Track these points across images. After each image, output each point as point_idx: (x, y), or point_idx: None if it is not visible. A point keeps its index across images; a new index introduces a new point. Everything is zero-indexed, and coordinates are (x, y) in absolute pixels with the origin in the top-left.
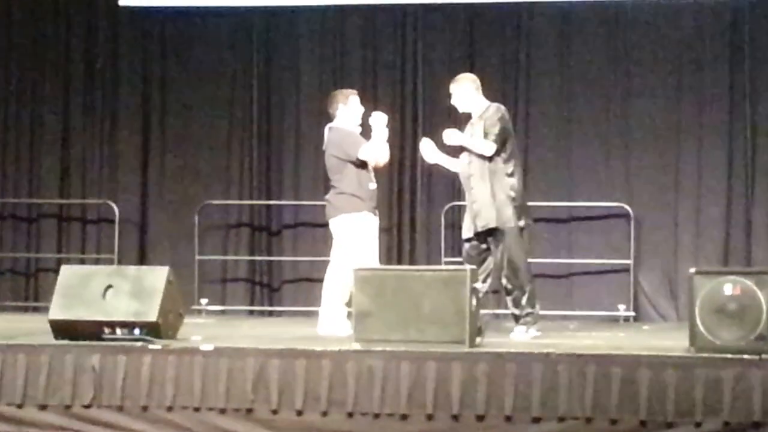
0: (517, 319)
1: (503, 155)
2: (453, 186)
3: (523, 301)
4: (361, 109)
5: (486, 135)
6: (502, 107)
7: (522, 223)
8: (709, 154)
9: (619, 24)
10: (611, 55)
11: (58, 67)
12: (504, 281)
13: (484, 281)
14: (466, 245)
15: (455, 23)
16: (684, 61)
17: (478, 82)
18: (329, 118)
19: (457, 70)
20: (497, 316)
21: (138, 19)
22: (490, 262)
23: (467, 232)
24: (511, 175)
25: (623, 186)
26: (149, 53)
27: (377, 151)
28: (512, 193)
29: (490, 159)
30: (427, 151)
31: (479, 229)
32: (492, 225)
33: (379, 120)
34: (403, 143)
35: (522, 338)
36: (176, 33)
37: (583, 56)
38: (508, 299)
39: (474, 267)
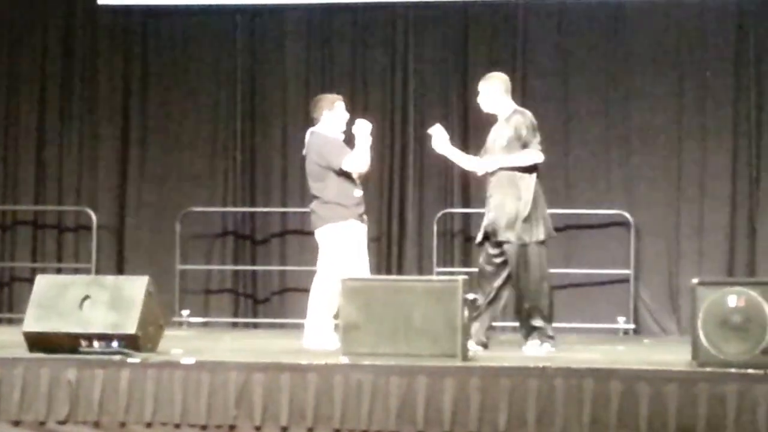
0: (528, 334)
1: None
2: (445, 192)
3: (539, 317)
4: (346, 116)
5: (525, 143)
6: (529, 113)
7: (543, 236)
8: (712, 159)
9: (619, 24)
10: (610, 57)
11: (35, 68)
12: (522, 296)
13: (498, 292)
14: (481, 251)
15: (447, 23)
16: (686, 63)
17: (509, 83)
18: (314, 122)
19: (449, 71)
20: (514, 329)
21: (118, 18)
22: (506, 272)
23: (478, 237)
24: (534, 186)
25: (623, 193)
26: (129, 54)
27: (360, 160)
28: (531, 205)
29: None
30: (438, 139)
31: (497, 239)
32: (508, 238)
33: (363, 128)
34: (392, 147)
35: (535, 353)
36: (157, 33)
37: (581, 58)
38: (523, 314)
39: (466, 277)
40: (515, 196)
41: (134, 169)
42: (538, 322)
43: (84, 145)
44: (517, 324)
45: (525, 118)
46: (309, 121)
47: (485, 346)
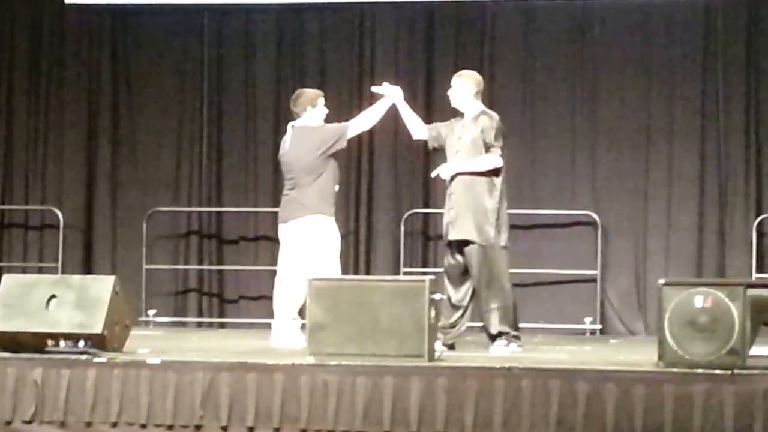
0: (494, 337)
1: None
2: (413, 192)
3: (505, 319)
4: (326, 111)
5: (488, 146)
6: (497, 116)
7: (504, 241)
8: (680, 159)
9: (586, 24)
10: (577, 57)
11: (2, 67)
12: (482, 298)
13: (463, 293)
14: (448, 252)
15: (414, 24)
16: (654, 64)
17: (482, 86)
18: (284, 119)
19: (416, 71)
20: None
21: (85, 18)
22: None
23: (444, 238)
24: (499, 188)
25: (590, 193)
26: (96, 53)
27: (371, 118)
28: (497, 206)
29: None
30: (389, 92)
31: (452, 238)
32: (469, 238)
33: (396, 93)
34: (360, 146)
35: (502, 353)
36: (125, 33)
37: (548, 58)
38: (486, 316)
39: (433, 278)
40: (480, 197)
41: (101, 168)
42: (504, 325)
43: (50, 144)
44: (482, 324)
45: (492, 121)
46: (276, 122)
47: (452, 347)
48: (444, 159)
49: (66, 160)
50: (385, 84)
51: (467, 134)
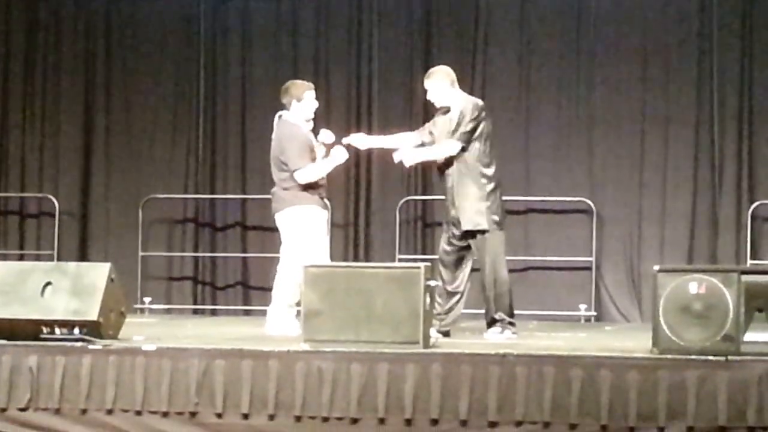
0: (492, 323)
1: (479, 153)
2: (408, 180)
3: (500, 305)
4: (315, 104)
5: (455, 130)
6: (480, 102)
7: (502, 225)
8: (674, 147)
9: (582, 10)
10: (573, 44)
11: None
12: (483, 283)
13: (466, 281)
14: (444, 239)
15: (411, 12)
16: (649, 51)
17: (453, 75)
18: (279, 108)
19: (412, 60)
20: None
21: (81, 5)
22: (467, 262)
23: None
24: (490, 175)
25: (585, 180)
26: (92, 42)
27: (313, 178)
28: (492, 193)
29: (466, 157)
30: (358, 142)
31: (461, 227)
32: (469, 227)
33: (339, 156)
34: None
35: (496, 339)
36: (121, 21)
37: (544, 44)
38: (487, 302)
39: (428, 264)
40: (477, 185)
41: (97, 156)
42: (500, 313)
43: (46, 132)
44: (477, 311)
45: (467, 104)
46: (271, 110)
47: (447, 334)
48: None
49: (62, 148)
50: (352, 136)
51: (450, 122)
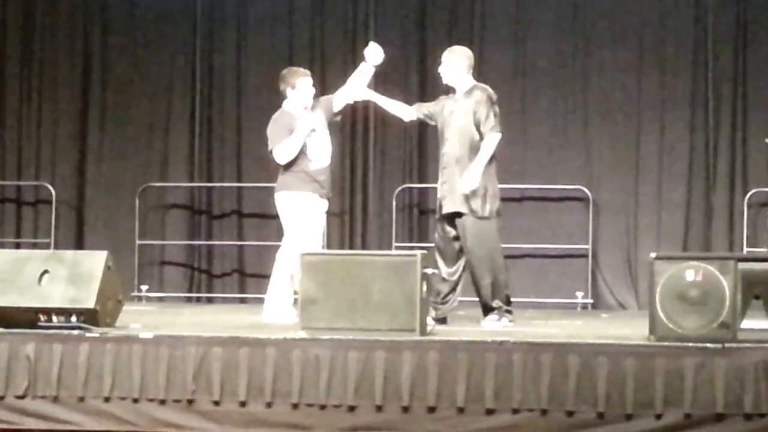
0: (488, 310)
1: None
2: (404, 167)
3: (497, 293)
4: (312, 91)
5: (478, 120)
6: (490, 90)
7: (497, 211)
8: (670, 134)
9: None
10: (569, 32)
11: None
12: (478, 271)
13: (454, 268)
14: (437, 226)
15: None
16: (645, 39)
17: (473, 60)
18: (274, 96)
19: (408, 45)
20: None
21: None
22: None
23: (437, 211)
24: (490, 162)
25: (582, 168)
26: (89, 28)
27: (284, 153)
28: (487, 180)
29: (473, 146)
30: (360, 95)
31: (446, 211)
32: (461, 210)
33: (307, 123)
34: (354, 123)
35: (494, 327)
36: (117, 9)
37: (540, 30)
38: (482, 290)
39: (425, 252)
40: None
41: (94, 144)
42: (497, 300)
43: (43, 120)
44: (474, 298)
45: (484, 93)
46: (267, 97)
47: (443, 321)
48: (436, 136)
49: (59, 136)
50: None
51: (460, 109)
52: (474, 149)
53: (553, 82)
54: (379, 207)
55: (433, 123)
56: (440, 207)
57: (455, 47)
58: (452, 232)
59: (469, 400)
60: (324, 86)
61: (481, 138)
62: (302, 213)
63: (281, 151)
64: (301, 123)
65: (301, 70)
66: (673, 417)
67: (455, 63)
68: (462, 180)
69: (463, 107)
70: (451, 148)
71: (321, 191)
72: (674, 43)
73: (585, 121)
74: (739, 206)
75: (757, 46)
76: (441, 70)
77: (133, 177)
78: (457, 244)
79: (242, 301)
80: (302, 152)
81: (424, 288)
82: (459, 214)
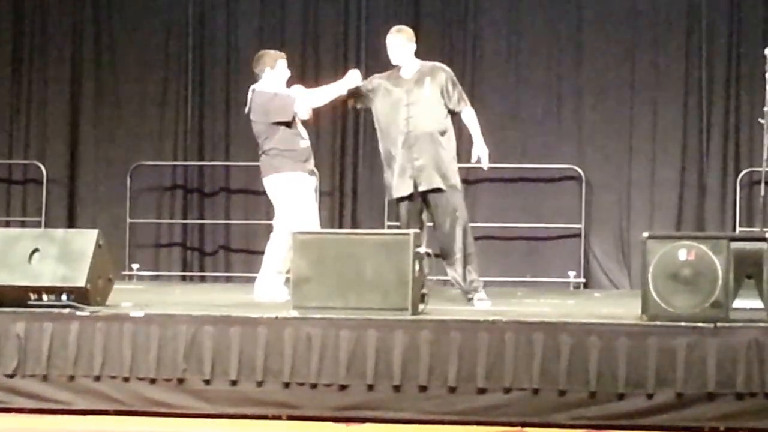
0: (471, 286)
1: (451, 115)
2: None
3: (474, 266)
4: (288, 74)
5: (455, 98)
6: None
7: (461, 187)
8: (663, 115)
9: None
10: (563, 13)
11: None
12: (457, 246)
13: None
14: (404, 205)
15: None
16: (639, 17)
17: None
18: (256, 78)
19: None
20: (444, 283)
21: None
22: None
23: (404, 190)
24: (453, 138)
25: (575, 147)
26: (80, 9)
27: (316, 98)
28: (454, 155)
29: (443, 118)
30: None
31: (424, 188)
32: (439, 185)
33: (352, 78)
34: (345, 103)
35: (486, 306)
36: None
37: (534, 12)
38: (459, 266)
39: (418, 231)
40: (442, 147)
41: (85, 122)
42: (472, 273)
43: (34, 99)
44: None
45: (448, 72)
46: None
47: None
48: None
49: (49, 114)
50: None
51: (426, 87)
52: (440, 125)
53: (547, 63)
54: (369, 187)
55: (359, 107)
56: (414, 185)
57: (402, 27)
58: (419, 208)
59: (461, 379)
60: (317, 67)
61: (448, 113)
62: (299, 193)
63: (312, 97)
64: (349, 75)
65: (278, 52)
66: (664, 396)
67: (406, 43)
68: (479, 155)
69: (429, 85)
70: (419, 124)
71: (310, 169)
72: (667, 24)
73: (578, 101)
74: (732, 186)
75: (749, 27)
76: (390, 52)
77: (124, 156)
78: (422, 221)
79: (232, 280)
80: (294, 129)
81: (417, 267)
82: (436, 190)
